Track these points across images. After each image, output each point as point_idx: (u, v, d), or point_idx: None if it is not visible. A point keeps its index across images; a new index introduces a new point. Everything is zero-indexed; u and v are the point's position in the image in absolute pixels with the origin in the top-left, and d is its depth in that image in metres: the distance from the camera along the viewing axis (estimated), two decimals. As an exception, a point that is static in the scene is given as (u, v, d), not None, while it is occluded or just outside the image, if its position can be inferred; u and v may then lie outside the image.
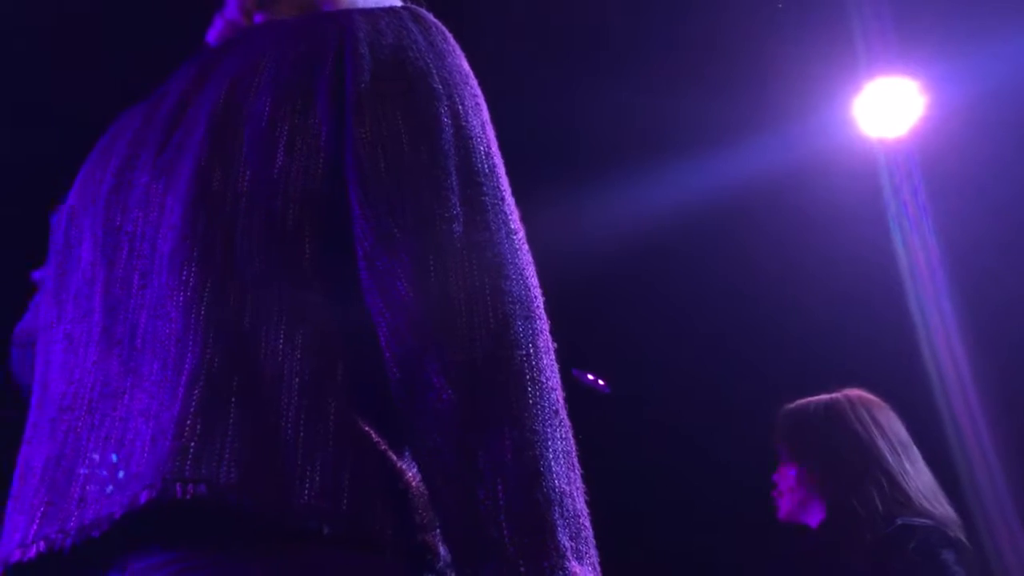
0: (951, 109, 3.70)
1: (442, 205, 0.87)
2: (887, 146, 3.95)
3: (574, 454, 0.83)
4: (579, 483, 0.81)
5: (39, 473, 0.86)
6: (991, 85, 3.56)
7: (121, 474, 0.80)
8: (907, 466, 2.20)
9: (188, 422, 0.77)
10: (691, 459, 4.06)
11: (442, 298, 0.83)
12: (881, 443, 2.23)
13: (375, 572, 0.80)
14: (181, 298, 0.84)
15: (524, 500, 0.76)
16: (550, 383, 0.83)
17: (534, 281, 0.89)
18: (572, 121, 3.81)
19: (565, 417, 0.84)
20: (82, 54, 3.08)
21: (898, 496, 2.13)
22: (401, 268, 0.85)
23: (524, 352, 0.82)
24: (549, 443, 0.80)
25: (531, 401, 0.80)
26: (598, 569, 0.80)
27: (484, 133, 0.95)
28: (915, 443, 2.29)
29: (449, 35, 1.01)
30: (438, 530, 0.84)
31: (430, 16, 1.02)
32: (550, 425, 0.81)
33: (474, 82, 0.99)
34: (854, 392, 2.38)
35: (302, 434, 0.79)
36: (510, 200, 0.93)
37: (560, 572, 0.75)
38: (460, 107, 0.94)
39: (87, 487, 0.82)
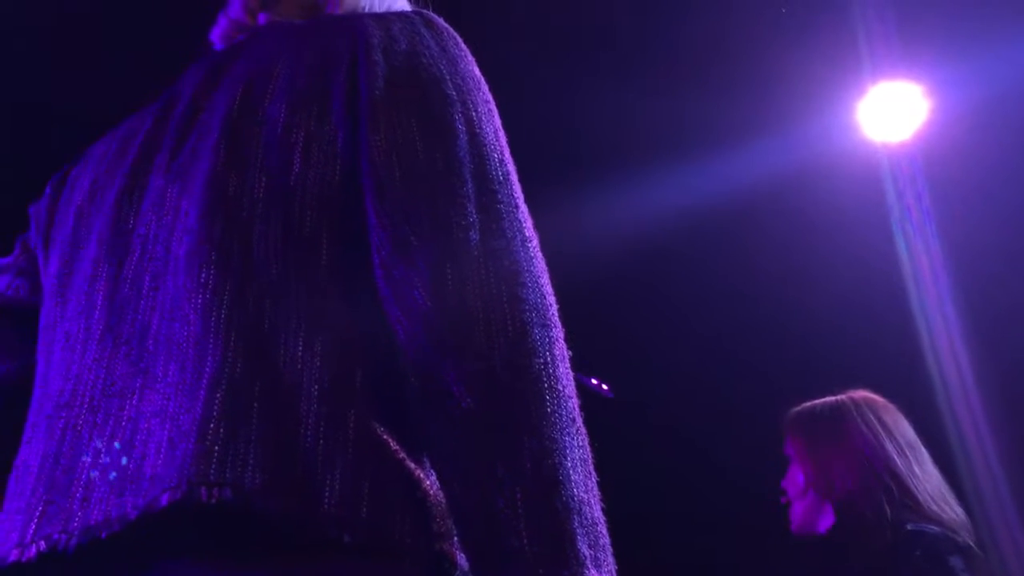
0: (955, 113, 3.70)
1: (458, 212, 0.87)
2: (891, 150, 3.95)
3: (591, 462, 0.83)
4: (596, 491, 0.81)
5: (36, 471, 0.85)
6: (995, 89, 3.56)
7: (134, 476, 0.78)
8: (915, 468, 2.19)
9: (211, 426, 0.76)
10: (694, 462, 4.06)
11: (460, 306, 0.82)
12: (889, 445, 2.21)
13: None
14: (200, 300, 0.83)
15: (544, 509, 0.76)
16: (567, 391, 0.83)
17: (549, 289, 0.89)
18: (575, 123, 3.80)
19: (581, 425, 0.83)
20: (82, 54, 3.07)
21: (907, 500, 2.12)
22: (418, 276, 0.84)
23: (542, 360, 0.82)
24: (567, 451, 0.79)
25: (549, 409, 0.80)
26: (615, 578, 0.79)
27: (497, 140, 0.95)
28: (920, 445, 2.29)
29: (460, 40, 1.01)
30: (456, 538, 0.83)
31: (441, 21, 1.02)
32: (568, 433, 0.81)
33: (486, 88, 0.99)
34: (860, 394, 2.36)
35: (322, 442, 0.79)
36: (524, 207, 0.93)
37: None
38: (474, 113, 0.94)
39: (91, 487, 0.80)
